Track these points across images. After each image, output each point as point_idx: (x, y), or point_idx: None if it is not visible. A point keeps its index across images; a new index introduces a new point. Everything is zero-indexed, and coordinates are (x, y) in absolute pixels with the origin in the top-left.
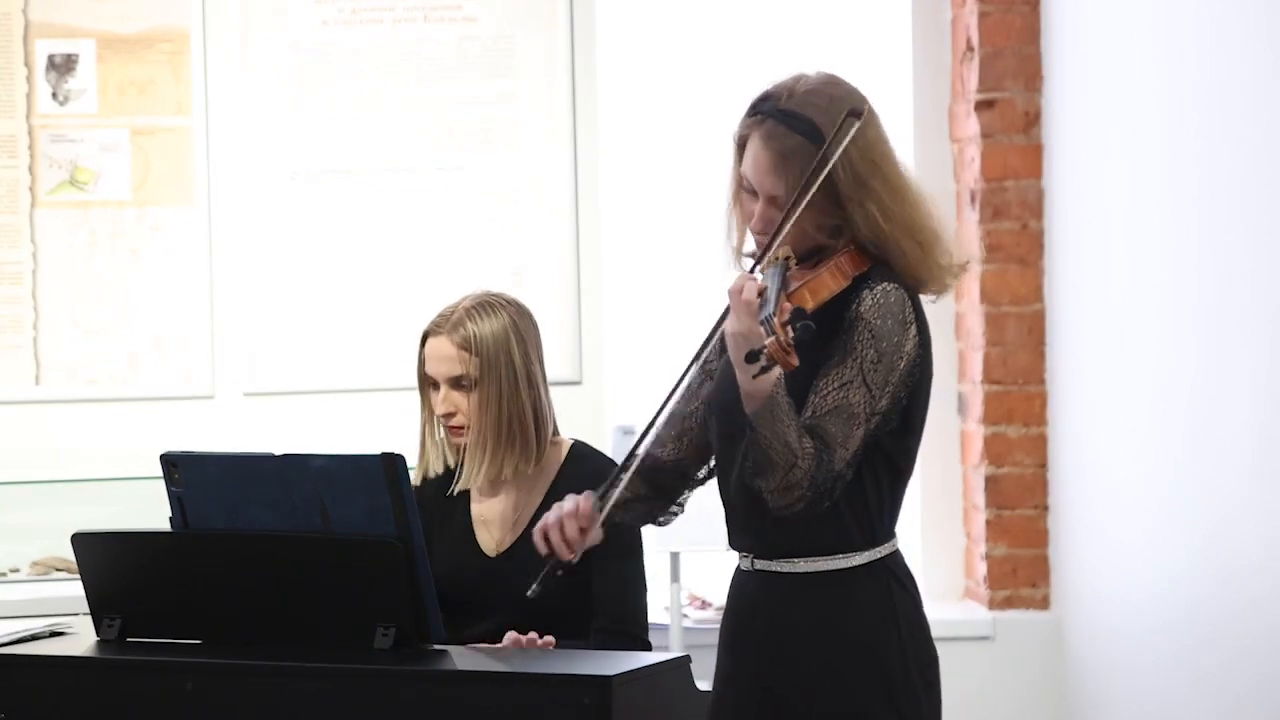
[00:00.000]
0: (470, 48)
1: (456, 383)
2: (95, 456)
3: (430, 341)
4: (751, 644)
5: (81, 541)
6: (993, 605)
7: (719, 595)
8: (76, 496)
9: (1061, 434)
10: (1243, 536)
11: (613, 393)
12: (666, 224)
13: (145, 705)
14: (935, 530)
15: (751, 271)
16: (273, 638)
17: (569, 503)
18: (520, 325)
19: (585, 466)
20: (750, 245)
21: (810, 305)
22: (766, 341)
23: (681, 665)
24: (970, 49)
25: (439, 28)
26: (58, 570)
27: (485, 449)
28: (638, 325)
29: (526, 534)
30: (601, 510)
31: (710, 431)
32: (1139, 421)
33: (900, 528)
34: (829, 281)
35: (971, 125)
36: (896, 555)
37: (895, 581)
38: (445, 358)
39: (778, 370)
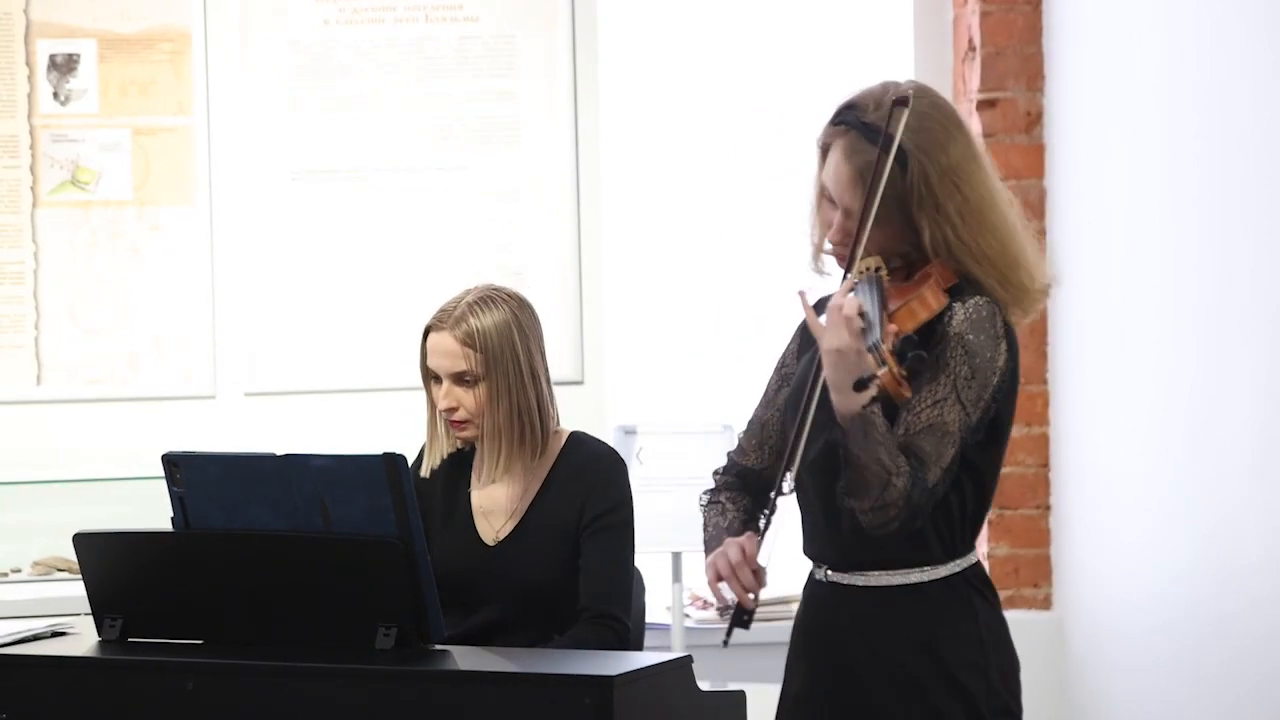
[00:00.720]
0: (471, 47)
1: (459, 378)
2: (96, 456)
3: (432, 336)
4: (827, 659)
5: (83, 541)
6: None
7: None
8: (78, 496)
9: (1063, 434)
10: (1243, 536)
11: (614, 392)
12: (668, 223)
13: (146, 705)
14: None
15: (844, 279)
16: (274, 638)
17: (732, 551)
18: (522, 319)
19: (583, 453)
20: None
21: (910, 327)
22: (879, 372)
23: (683, 665)
24: (972, 48)
25: (440, 27)
26: (59, 570)
27: (500, 446)
28: (639, 325)
29: (525, 523)
30: (763, 542)
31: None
32: (1140, 421)
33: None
34: (930, 301)
35: (973, 125)
36: (977, 567)
37: (976, 593)
38: (447, 353)
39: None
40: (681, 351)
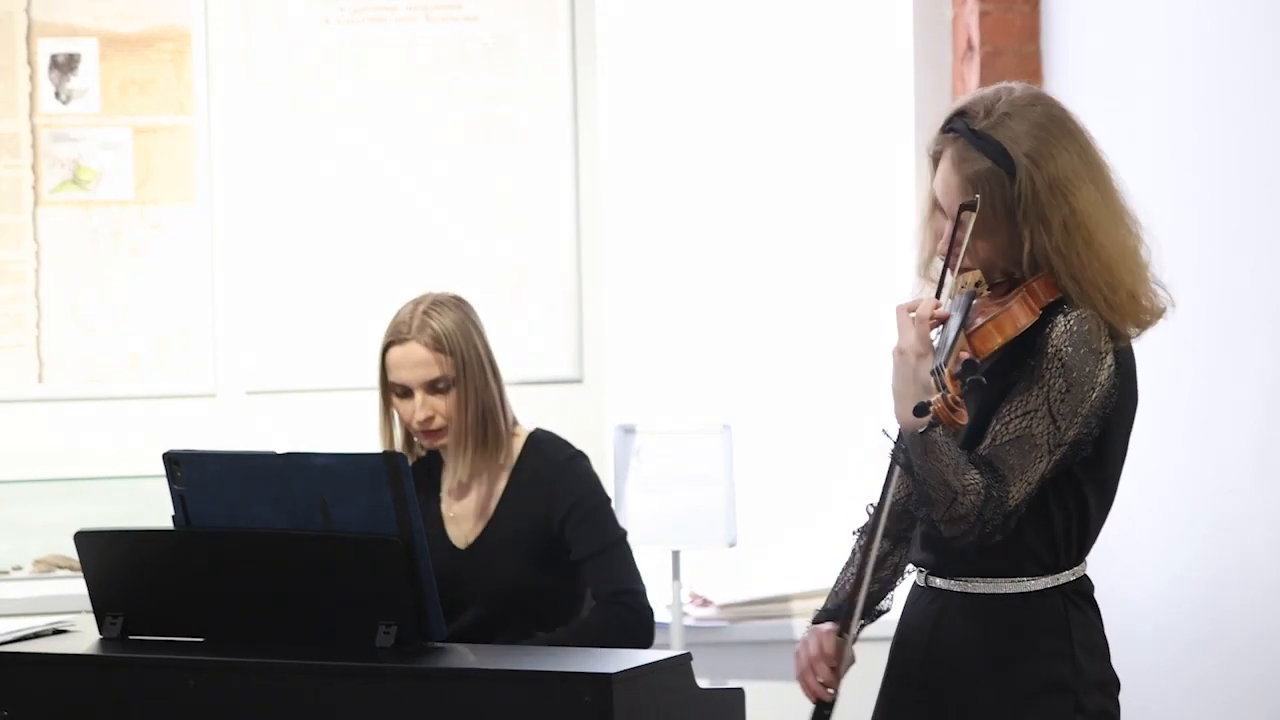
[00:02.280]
0: (471, 47)
1: (433, 386)
2: (97, 455)
3: (396, 350)
4: (919, 662)
5: (84, 539)
6: None
7: (719, 593)
8: (79, 494)
9: None
10: (1244, 536)
11: (614, 392)
12: (668, 222)
13: (147, 703)
14: None
15: (937, 295)
16: (274, 636)
17: (812, 644)
18: (472, 318)
19: (543, 451)
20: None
21: (998, 342)
22: (933, 398)
23: (682, 663)
24: (971, 48)
25: (440, 27)
26: (60, 568)
27: (466, 447)
28: (639, 324)
29: (493, 525)
30: (848, 638)
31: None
32: (1140, 423)
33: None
34: (1018, 315)
35: None
36: (1081, 582)
37: (1073, 608)
38: (419, 362)
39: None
40: (681, 350)
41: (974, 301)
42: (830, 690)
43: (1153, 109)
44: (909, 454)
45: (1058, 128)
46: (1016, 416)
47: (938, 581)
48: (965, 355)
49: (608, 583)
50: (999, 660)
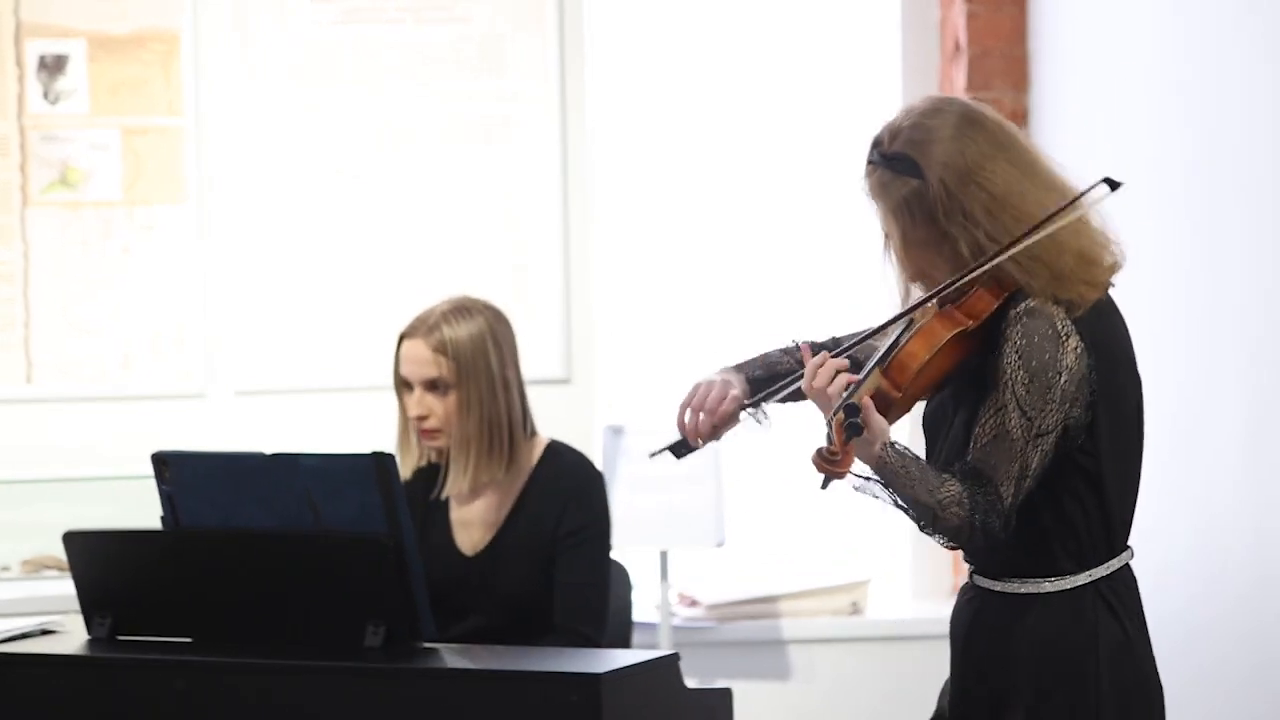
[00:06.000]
0: (462, 48)
1: (430, 386)
2: (86, 455)
3: (405, 344)
4: (960, 660)
5: (72, 540)
6: None
7: (707, 593)
8: (68, 495)
9: None
10: (1232, 535)
11: (603, 391)
12: (657, 222)
13: (136, 704)
14: None
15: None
16: (264, 636)
17: (715, 392)
18: (497, 330)
19: (560, 465)
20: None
21: (922, 360)
22: (814, 453)
23: (670, 663)
24: (958, 49)
25: (431, 28)
26: (49, 569)
27: (468, 455)
28: (628, 324)
29: (503, 534)
30: (746, 414)
31: None
32: None
33: (889, 527)
34: (937, 331)
35: None
36: (1113, 577)
37: (1103, 606)
38: (420, 360)
39: (879, 442)
40: (669, 351)
41: (902, 334)
42: (700, 440)
43: (1140, 110)
44: (886, 487)
45: (962, 122)
46: (990, 415)
47: (980, 580)
48: (877, 389)
49: (571, 618)
50: (1022, 656)
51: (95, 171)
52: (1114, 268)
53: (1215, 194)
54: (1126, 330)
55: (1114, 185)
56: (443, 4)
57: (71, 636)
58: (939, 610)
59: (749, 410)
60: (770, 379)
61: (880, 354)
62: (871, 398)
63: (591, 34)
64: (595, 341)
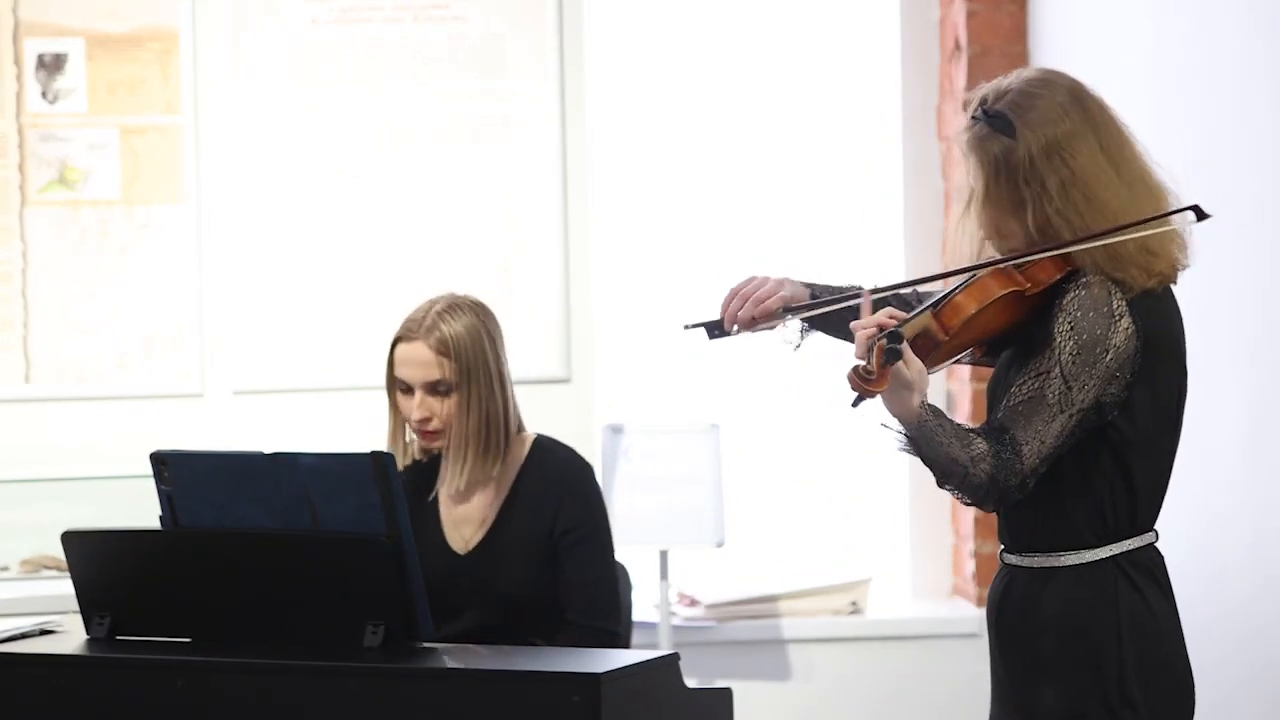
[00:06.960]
0: (459, 47)
1: (433, 388)
2: (85, 455)
3: (402, 347)
4: (994, 634)
5: (71, 540)
6: (981, 603)
7: (707, 593)
8: (66, 495)
9: None
10: (1232, 535)
11: (601, 391)
12: (656, 221)
13: (135, 703)
14: (923, 528)
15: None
16: (262, 636)
17: (769, 285)
18: (488, 325)
19: (550, 461)
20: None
21: (970, 311)
22: (850, 368)
23: (670, 663)
24: (958, 48)
25: (428, 27)
26: (47, 568)
27: (466, 453)
28: (627, 323)
29: (495, 531)
30: (786, 319)
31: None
32: None
33: (889, 527)
34: (989, 284)
35: (959, 124)
36: (1138, 554)
37: (1125, 580)
38: (422, 362)
39: (918, 396)
40: (668, 350)
41: (958, 286)
42: (736, 328)
43: (1139, 109)
44: (914, 444)
45: (1065, 96)
46: (1030, 378)
47: (1008, 557)
48: (925, 329)
49: (588, 615)
50: (1048, 629)
51: (94, 171)
52: (1176, 264)
53: (1214, 194)
54: (1181, 323)
55: (1201, 215)
56: (441, 3)
57: (70, 636)
58: (939, 610)
59: (790, 314)
60: (825, 300)
61: (936, 298)
62: (919, 337)
63: (590, 33)
64: (594, 341)
